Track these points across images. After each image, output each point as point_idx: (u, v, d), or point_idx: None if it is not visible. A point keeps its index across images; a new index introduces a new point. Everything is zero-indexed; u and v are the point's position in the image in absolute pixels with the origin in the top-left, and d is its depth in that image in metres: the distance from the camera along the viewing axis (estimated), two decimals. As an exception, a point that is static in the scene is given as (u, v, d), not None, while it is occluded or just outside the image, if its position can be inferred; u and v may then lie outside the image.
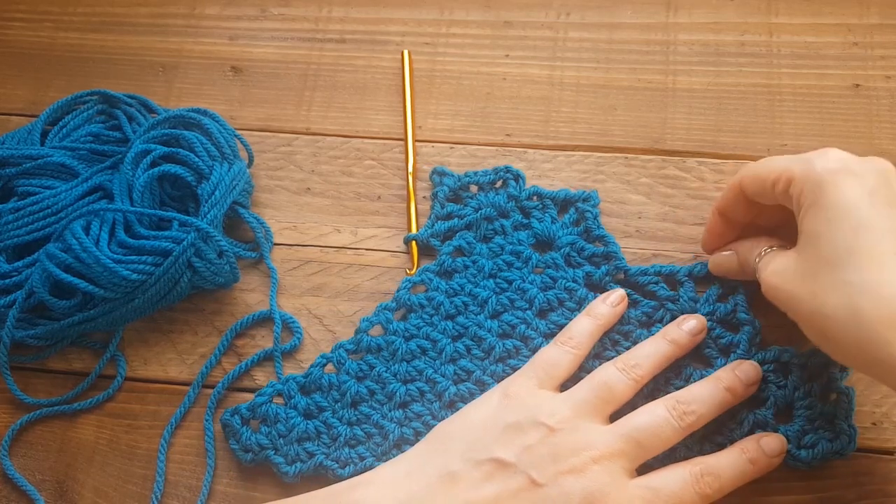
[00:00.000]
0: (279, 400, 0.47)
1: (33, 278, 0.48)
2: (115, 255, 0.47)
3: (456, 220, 0.51)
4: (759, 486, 0.43)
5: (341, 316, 0.50)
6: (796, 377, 0.45)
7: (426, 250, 0.51)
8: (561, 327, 0.47)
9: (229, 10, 0.60)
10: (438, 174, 0.53)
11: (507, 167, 0.52)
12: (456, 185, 0.52)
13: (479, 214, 0.50)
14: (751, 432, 0.44)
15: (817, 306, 0.38)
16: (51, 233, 0.50)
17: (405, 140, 0.55)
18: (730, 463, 0.41)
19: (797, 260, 0.40)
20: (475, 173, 0.52)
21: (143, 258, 0.47)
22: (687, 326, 0.45)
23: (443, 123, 0.55)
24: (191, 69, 0.59)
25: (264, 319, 0.50)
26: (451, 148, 0.55)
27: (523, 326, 0.48)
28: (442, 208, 0.52)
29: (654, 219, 0.51)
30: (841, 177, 0.39)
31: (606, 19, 0.58)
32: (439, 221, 0.51)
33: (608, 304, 0.47)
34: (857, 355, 0.37)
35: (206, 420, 0.48)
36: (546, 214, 0.51)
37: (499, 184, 0.52)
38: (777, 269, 0.41)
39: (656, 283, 0.48)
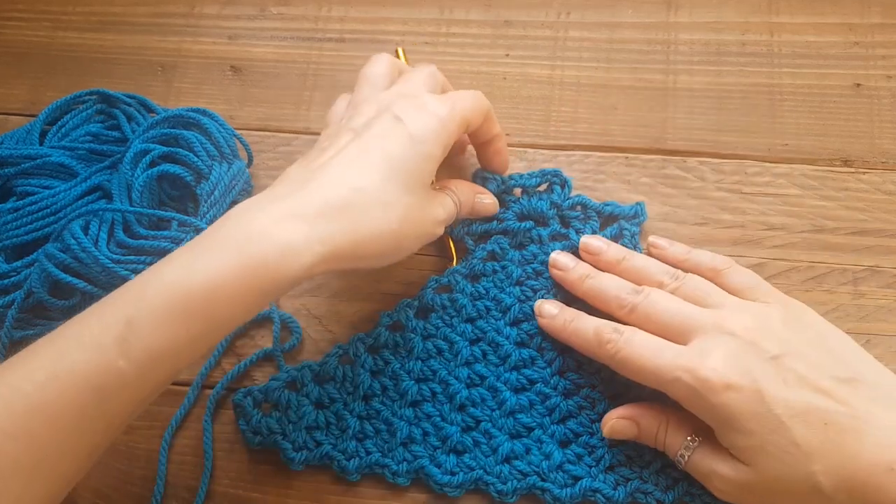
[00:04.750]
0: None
1: (32, 278, 0.48)
2: (114, 255, 0.47)
3: (495, 223, 0.50)
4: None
5: (340, 316, 0.50)
6: None
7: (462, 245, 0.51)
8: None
9: (228, 10, 0.60)
10: (481, 178, 0.51)
11: (555, 171, 0.51)
12: (498, 190, 0.50)
13: (519, 226, 0.49)
14: None
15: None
16: (49, 233, 0.50)
17: None
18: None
19: (741, 470, 0.40)
20: (520, 176, 0.51)
21: (142, 258, 0.47)
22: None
23: (443, 123, 0.55)
24: (190, 69, 0.59)
25: (264, 319, 0.50)
26: (451, 148, 0.54)
27: (540, 338, 0.47)
28: None
29: (654, 219, 0.51)
30: (727, 394, 0.39)
31: (607, 18, 0.57)
32: (477, 222, 0.50)
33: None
34: None
35: (206, 421, 0.48)
36: (587, 226, 0.50)
37: (544, 187, 0.51)
38: (727, 486, 0.41)
39: None
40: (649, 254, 0.49)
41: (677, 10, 0.57)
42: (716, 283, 0.45)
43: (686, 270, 0.46)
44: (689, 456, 0.42)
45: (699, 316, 0.42)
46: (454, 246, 0.51)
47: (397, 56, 0.56)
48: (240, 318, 0.38)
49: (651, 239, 0.49)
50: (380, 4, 0.59)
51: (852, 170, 0.52)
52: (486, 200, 0.49)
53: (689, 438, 0.42)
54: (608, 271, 0.47)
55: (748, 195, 0.52)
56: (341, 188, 0.40)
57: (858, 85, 0.54)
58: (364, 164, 0.41)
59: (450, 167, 0.52)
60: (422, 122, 0.43)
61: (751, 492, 0.40)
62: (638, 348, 0.42)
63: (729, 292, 0.44)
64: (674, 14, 0.57)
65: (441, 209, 0.45)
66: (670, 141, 0.53)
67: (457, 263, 0.50)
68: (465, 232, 0.50)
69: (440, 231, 0.45)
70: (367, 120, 0.43)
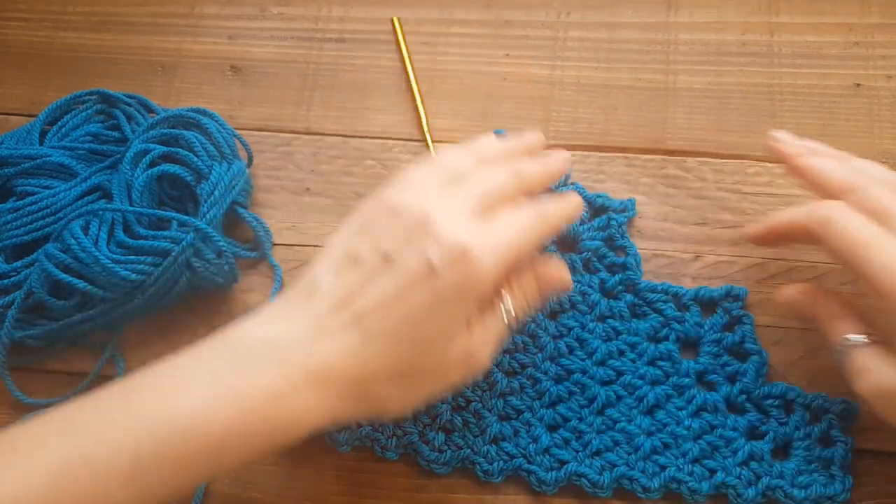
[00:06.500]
0: None
1: (32, 278, 0.48)
2: (114, 255, 0.47)
3: None
4: (759, 487, 0.43)
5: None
6: (799, 417, 0.45)
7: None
8: (571, 331, 0.48)
9: (229, 10, 0.60)
10: None
11: None
12: None
13: None
14: (745, 463, 0.44)
15: None
16: (50, 233, 0.50)
17: (414, 95, 0.55)
18: (555, 207, 0.42)
19: None
20: None
21: (142, 258, 0.47)
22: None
23: (443, 123, 0.55)
24: (190, 69, 0.59)
25: (264, 320, 0.50)
26: (451, 148, 0.54)
27: (533, 325, 0.48)
28: None
29: (654, 219, 0.51)
30: None
31: (607, 18, 0.57)
32: None
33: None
34: None
35: (206, 421, 0.48)
36: None
37: None
38: (885, 386, 0.39)
39: (664, 301, 0.48)
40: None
41: (677, 10, 0.57)
42: None
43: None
44: (859, 345, 0.40)
45: None
46: None
47: (392, 27, 0.56)
48: (249, 462, 0.38)
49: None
50: (380, 4, 0.59)
51: (852, 170, 0.52)
52: (554, 273, 0.43)
53: (867, 334, 0.40)
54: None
55: (748, 195, 0.52)
56: (363, 370, 0.37)
57: (858, 85, 0.54)
58: (390, 339, 0.37)
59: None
60: (452, 279, 0.37)
61: None
62: (858, 224, 0.39)
63: None
64: (674, 14, 0.57)
65: (484, 348, 0.40)
66: (670, 141, 0.53)
67: None
68: None
69: (487, 364, 0.41)
70: (400, 247, 0.38)
